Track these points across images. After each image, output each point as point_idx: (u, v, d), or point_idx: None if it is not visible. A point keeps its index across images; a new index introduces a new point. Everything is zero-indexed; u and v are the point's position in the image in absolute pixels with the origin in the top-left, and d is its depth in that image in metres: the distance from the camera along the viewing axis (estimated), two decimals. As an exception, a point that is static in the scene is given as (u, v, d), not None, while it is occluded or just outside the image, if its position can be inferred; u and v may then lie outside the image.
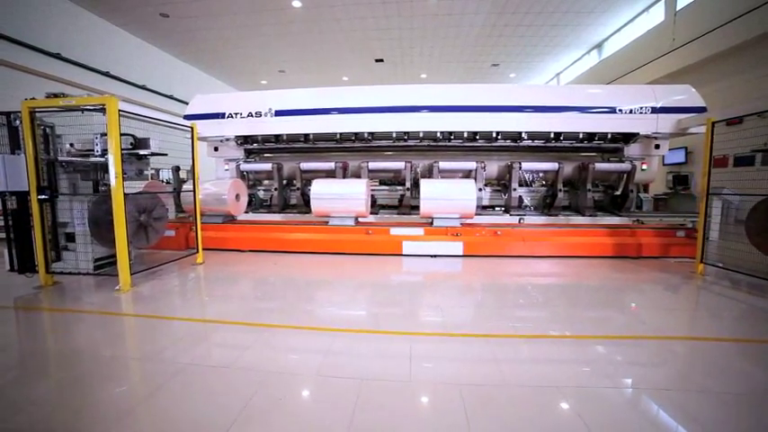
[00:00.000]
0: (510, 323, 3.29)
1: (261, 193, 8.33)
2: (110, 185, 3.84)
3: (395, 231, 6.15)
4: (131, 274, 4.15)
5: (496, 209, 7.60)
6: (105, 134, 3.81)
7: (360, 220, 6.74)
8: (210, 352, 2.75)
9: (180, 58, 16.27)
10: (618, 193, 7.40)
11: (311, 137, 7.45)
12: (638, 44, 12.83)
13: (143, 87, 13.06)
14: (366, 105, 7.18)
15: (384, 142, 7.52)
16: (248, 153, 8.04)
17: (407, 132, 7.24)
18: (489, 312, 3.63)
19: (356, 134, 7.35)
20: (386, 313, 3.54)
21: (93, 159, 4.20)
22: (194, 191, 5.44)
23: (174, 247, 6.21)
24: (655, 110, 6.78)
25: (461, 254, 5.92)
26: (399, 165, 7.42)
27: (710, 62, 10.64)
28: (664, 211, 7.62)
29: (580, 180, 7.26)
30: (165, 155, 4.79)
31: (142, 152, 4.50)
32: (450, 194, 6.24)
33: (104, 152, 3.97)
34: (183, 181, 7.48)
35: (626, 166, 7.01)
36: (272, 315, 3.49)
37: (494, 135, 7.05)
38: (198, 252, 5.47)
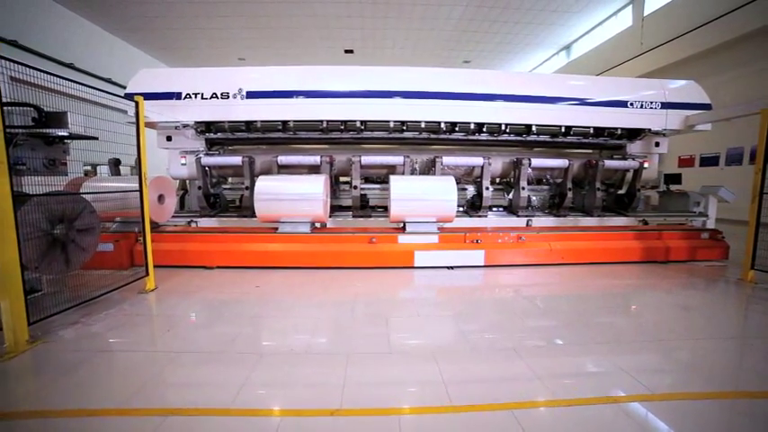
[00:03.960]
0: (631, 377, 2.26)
1: (227, 193, 6.69)
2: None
3: (404, 239, 4.95)
4: (32, 323, 2.54)
5: (494, 209, 6.66)
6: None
7: (317, 225, 5.41)
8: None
9: (121, 37, 13.60)
10: (622, 192, 6.84)
11: (291, 125, 5.98)
12: (607, 47, 12.76)
13: (70, 66, 10.48)
14: (359, 89, 5.87)
15: (378, 133, 6.24)
16: (211, 144, 6.35)
17: (405, 122, 6.05)
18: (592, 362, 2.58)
19: (345, 123, 6.01)
20: (455, 381, 2.34)
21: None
22: (141, 190, 3.82)
23: (115, 265, 4.49)
24: (664, 105, 6.24)
25: (482, 264, 4.88)
26: (396, 159, 6.19)
27: (677, 66, 10.69)
28: (655, 211, 7.20)
29: (587, 178, 6.58)
30: (95, 138, 3.16)
31: (58, 133, 2.85)
32: (426, 194, 5.14)
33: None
34: (90, 174, 5.60)
35: (634, 163, 6.42)
36: (271, 391, 2.15)
37: (502, 128, 6.10)
38: (148, 275, 3.86)
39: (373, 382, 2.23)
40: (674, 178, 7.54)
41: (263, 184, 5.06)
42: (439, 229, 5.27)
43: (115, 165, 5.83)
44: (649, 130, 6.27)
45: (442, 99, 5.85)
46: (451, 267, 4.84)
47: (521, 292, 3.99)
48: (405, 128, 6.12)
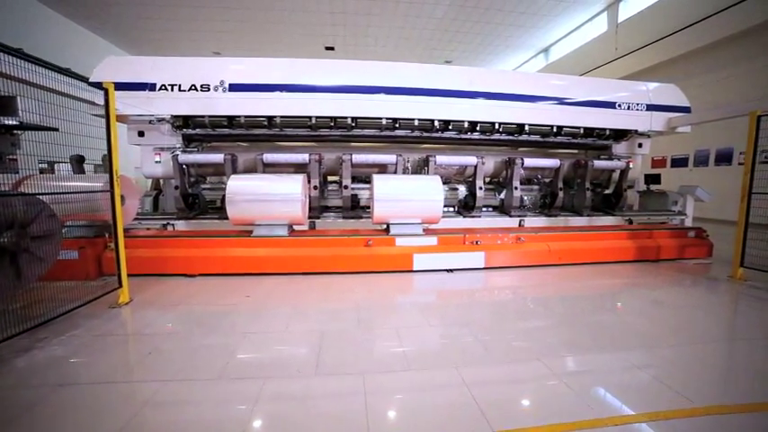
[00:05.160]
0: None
1: (206, 194, 6.16)
2: None
3: (401, 242, 4.66)
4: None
5: (485, 209, 6.50)
6: None
7: (305, 227, 5.03)
8: None
9: (81, 24, 12.45)
10: (609, 191, 6.88)
11: (278, 121, 5.55)
12: (584, 51, 13.02)
13: (18, 51, 9.34)
14: (351, 84, 5.51)
15: (368, 131, 5.92)
16: (188, 140, 5.79)
17: (397, 120, 5.76)
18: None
19: (335, 119, 5.65)
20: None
21: None
22: (112, 190, 3.32)
23: (80, 275, 3.91)
24: (649, 107, 6.31)
25: (483, 266, 4.69)
26: (389, 158, 5.89)
27: (649, 71, 11.02)
28: (635, 209, 7.31)
29: (576, 178, 6.57)
30: (55, 130, 2.66)
31: (4, 121, 2.34)
32: (411, 194, 4.83)
33: None
34: (47, 172, 4.86)
35: (621, 164, 6.45)
36: (284, 430, 1.81)
37: (496, 126, 5.94)
38: (121, 286, 3.36)
39: (399, 407, 1.93)
40: (654, 178, 7.70)
41: (236, 184, 4.58)
42: (437, 230, 5.04)
43: (78, 162, 5.17)
44: (636, 131, 6.32)
45: (436, 96, 5.61)
46: (451, 270, 4.61)
47: (530, 295, 3.81)
48: (397, 126, 5.83)
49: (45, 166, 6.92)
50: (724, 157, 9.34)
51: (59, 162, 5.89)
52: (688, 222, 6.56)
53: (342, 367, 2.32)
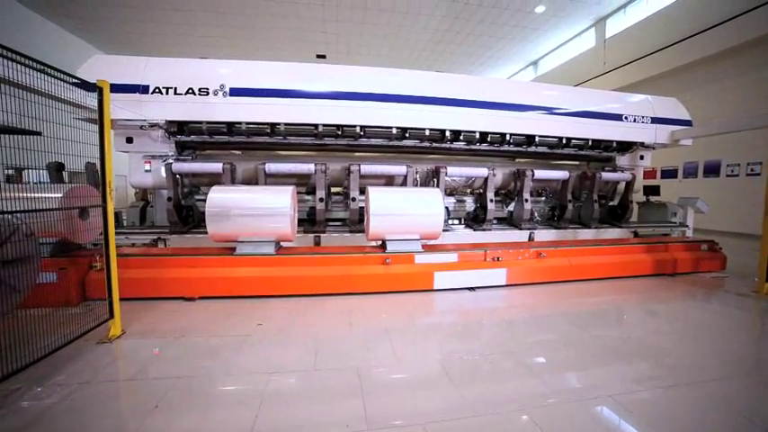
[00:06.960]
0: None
1: (201, 205, 5.65)
2: None
3: (421, 259, 4.32)
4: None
5: (494, 221, 6.28)
6: None
7: (283, 245, 4.54)
8: None
9: (59, 24, 11.65)
10: (614, 203, 6.83)
11: (282, 128, 5.16)
12: (573, 65, 13.28)
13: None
14: (361, 91, 5.21)
15: (375, 141, 5.62)
16: (182, 148, 5.31)
17: (407, 129, 5.48)
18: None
19: (342, 128, 5.32)
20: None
21: None
22: (104, 204, 2.85)
23: (59, 301, 3.35)
24: (653, 120, 6.31)
25: (504, 283, 4.41)
26: (399, 169, 5.59)
27: (642, 84, 11.29)
28: (638, 221, 7.31)
29: (583, 190, 6.47)
30: (38, 134, 2.21)
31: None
32: (410, 208, 4.48)
33: None
34: (16, 180, 4.17)
35: (627, 175, 6.41)
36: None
37: (506, 138, 5.76)
38: (112, 317, 2.86)
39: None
40: (654, 189, 7.74)
41: (217, 197, 4.11)
42: (441, 246, 4.72)
43: (57, 170, 4.57)
44: (642, 143, 6.30)
45: (450, 105, 5.39)
46: (473, 289, 4.31)
47: (566, 313, 3.55)
48: (406, 135, 5.55)
49: (12, 172, 6.18)
50: (712, 170, 9.58)
51: (27, 168, 5.22)
52: (689, 233, 6.58)
53: (396, 417, 1.95)
